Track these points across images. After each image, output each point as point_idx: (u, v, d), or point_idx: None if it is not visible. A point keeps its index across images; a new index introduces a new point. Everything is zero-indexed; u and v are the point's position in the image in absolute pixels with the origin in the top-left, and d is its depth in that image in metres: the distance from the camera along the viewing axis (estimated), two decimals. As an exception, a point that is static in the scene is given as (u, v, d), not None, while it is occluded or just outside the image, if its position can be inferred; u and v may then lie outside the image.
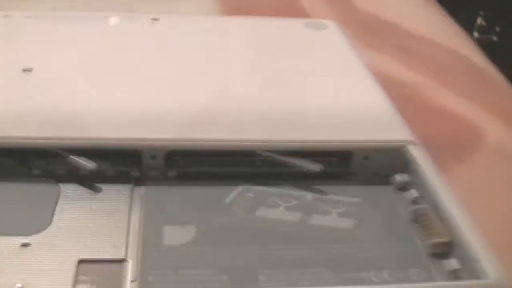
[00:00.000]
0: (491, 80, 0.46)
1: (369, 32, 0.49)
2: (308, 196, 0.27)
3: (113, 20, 0.38)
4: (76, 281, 0.21)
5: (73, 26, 0.37)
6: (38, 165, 0.26)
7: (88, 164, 0.26)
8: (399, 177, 0.27)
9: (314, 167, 0.27)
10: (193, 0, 0.50)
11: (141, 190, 0.26)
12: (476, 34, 1.11)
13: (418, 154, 0.27)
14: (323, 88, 0.33)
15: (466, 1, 0.99)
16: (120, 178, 0.27)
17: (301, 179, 0.27)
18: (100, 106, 0.29)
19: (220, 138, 0.27)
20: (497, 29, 1.11)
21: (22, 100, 0.29)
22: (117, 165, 0.27)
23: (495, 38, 1.11)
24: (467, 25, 0.74)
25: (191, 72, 0.33)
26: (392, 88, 0.34)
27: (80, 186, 0.26)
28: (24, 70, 0.32)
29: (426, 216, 0.25)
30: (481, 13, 1.12)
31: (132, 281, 0.21)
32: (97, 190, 0.26)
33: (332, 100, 0.32)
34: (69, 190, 0.26)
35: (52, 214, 0.24)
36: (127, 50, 0.35)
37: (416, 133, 0.29)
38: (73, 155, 0.26)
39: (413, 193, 0.27)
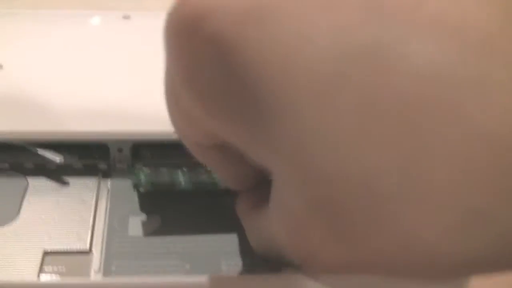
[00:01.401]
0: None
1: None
2: None
3: (83, 17, 0.38)
4: (41, 271, 0.22)
5: (44, 24, 0.37)
6: (5, 158, 0.27)
7: (55, 158, 0.26)
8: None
9: None
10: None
11: (107, 182, 0.27)
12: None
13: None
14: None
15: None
16: (87, 171, 0.27)
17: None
18: (68, 100, 0.29)
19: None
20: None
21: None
22: (85, 158, 0.27)
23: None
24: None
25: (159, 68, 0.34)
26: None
27: (48, 180, 0.26)
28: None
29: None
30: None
31: (96, 271, 0.22)
32: (64, 183, 0.26)
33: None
34: (36, 183, 0.26)
35: (19, 207, 0.25)
36: (97, 47, 0.35)
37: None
38: (41, 148, 0.26)
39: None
